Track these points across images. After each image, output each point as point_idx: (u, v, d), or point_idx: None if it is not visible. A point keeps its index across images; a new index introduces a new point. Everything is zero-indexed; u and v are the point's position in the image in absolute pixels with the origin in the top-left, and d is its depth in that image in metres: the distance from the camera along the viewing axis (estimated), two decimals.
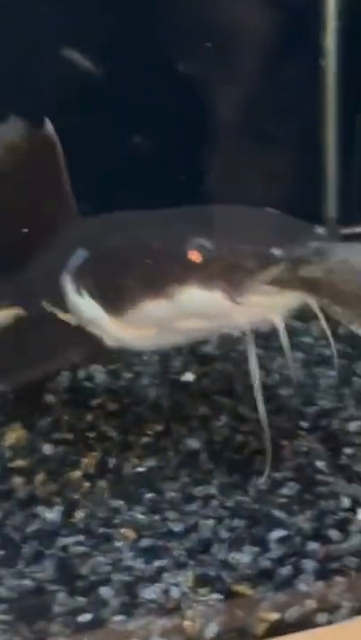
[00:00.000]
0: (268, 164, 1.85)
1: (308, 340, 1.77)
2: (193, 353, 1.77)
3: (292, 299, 1.24)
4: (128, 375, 1.71)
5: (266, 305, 1.24)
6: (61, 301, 1.40)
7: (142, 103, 1.72)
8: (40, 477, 1.41)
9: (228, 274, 1.23)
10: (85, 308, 1.37)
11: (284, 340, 1.25)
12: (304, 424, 1.51)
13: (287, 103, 1.83)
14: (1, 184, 1.53)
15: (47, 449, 1.47)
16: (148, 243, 1.30)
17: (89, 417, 1.57)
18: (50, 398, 1.61)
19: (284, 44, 1.80)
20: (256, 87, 1.81)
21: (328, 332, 1.29)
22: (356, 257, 1.22)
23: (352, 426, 1.49)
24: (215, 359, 1.73)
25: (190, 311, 1.27)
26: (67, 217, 1.51)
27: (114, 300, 1.33)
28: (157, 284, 1.27)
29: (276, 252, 1.20)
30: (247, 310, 1.24)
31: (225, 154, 1.68)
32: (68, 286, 1.38)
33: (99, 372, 1.71)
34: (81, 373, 1.71)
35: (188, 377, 1.69)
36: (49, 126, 1.50)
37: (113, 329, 1.36)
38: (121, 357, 1.64)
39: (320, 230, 1.26)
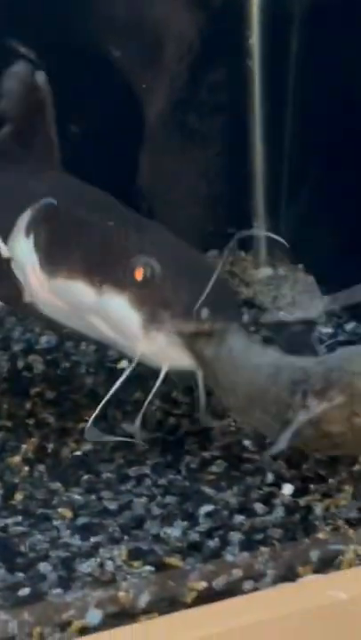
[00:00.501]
0: (196, 163, 1.92)
1: None
2: None
3: (184, 360, 1.32)
4: (66, 364, 1.77)
5: (165, 351, 1.31)
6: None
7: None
8: None
9: (157, 307, 1.29)
10: (26, 250, 1.41)
11: (158, 383, 1.33)
12: None
13: (215, 103, 1.90)
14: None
15: None
16: (108, 234, 1.36)
17: (28, 405, 1.63)
18: None
19: (211, 45, 1.87)
20: (183, 87, 1.87)
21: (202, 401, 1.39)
22: (242, 354, 1.30)
23: None
24: None
25: (109, 315, 1.33)
26: (46, 163, 1.56)
27: (53, 260, 1.38)
28: (95, 274, 1.33)
29: (204, 314, 1.27)
30: (152, 345, 1.31)
31: (149, 153, 1.74)
32: (22, 224, 1.42)
33: (38, 363, 1.77)
34: (20, 363, 1.77)
35: (124, 364, 1.75)
36: (42, 78, 1.57)
37: (36, 283, 1.40)
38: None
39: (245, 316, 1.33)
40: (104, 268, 1.33)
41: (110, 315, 1.33)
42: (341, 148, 1.86)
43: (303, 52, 1.90)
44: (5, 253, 1.44)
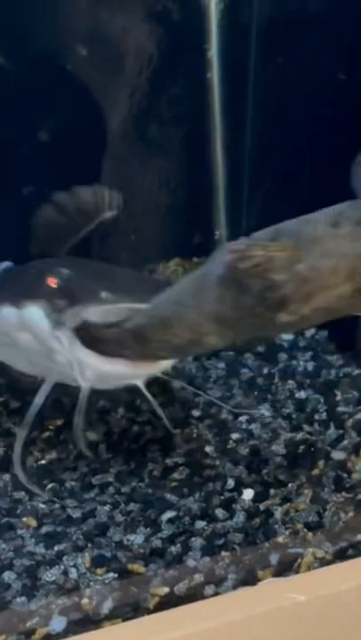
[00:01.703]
0: (158, 174, 1.95)
1: None
2: None
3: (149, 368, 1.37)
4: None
5: (127, 373, 1.37)
6: None
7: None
8: None
9: (62, 303, 1.36)
10: None
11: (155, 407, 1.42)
12: (195, 413, 1.61)
13: (176, 114, 1.93)
14: None
15: None
16: (32, 272, 1.46)
17: None
18: None
19: (171, 58, 1.89)
20: (144, 100, 1.89)
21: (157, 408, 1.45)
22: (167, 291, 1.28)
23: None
24: None
25: (29, 326, 1.40)
26: None
27: None
28: (16, 296, 1.42)
29: (104, 295, 1.34)
30: (64, 348, 1.37)
31: (111, 165, 1.76)
32: None
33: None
34: None
35: None
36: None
37: None
38: None
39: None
40: (23, 290, 1.43)
41: (30, 324, 1.40)
42: (300, 157, 1.89)
43: (261, 65, 1.93)
44: None
